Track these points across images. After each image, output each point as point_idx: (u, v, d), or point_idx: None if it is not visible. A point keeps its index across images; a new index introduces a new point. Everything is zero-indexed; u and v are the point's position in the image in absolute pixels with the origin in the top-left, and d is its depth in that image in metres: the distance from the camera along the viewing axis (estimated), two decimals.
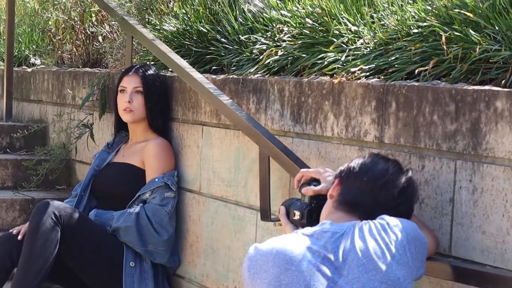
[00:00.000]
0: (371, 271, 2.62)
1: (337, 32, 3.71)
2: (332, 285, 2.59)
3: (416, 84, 3.17)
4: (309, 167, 3.45)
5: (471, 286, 2.89)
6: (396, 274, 2.64)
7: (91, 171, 4.76)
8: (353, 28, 3.67)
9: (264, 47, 4.05)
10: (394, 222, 2.74)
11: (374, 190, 2.83)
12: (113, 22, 5.60)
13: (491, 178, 2.86)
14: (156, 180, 4.50)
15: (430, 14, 3.29)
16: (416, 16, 3.37)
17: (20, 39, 6.83)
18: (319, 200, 3.03)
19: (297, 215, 3.08)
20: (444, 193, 3.05)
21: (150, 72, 4.65)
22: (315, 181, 3.13)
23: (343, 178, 2.90)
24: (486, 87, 2.91)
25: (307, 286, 2.57)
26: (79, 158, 5.62)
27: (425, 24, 3.29)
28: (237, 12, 4.42)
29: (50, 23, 6.46)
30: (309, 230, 2.75)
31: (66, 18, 6.24)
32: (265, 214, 3.76)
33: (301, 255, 2.61)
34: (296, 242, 2.67)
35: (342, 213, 2.83)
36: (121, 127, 4.84)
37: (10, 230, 4.49)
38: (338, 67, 3.56)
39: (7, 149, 5.93)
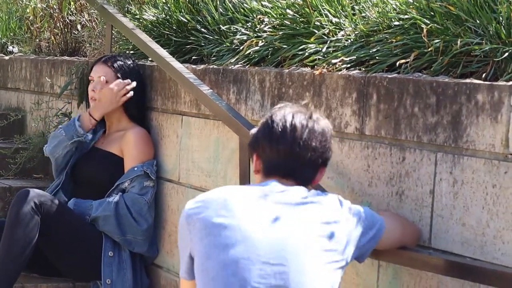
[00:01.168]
0: None
1: (318, 24, 3.71)
2: None
3: (397, 76, 3.16)
4: None
5: (451, 278, 2.90)
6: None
7: (74, 157, 4.72)
8: (334, 19, 3.66)
9: (245, 37, 4.05)
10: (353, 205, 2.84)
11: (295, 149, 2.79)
12: (92, 11, 5.59)
13: (472, 170, 2.87)
14: (135, 169, 4.50)
15: (411, 6, 3.30)
16: (397, 9, 3.38)
17: None
18: None
19: None
20: (425, 185, 3.05)
21: (121, 62, 4.64)
22: None
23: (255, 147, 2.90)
24: (467, 80, 2.91)
25: None
26: None
27: (406, 16, 3.29)
28: (218, 2, 4.42)
29: (28, 10, 6.42)
30: None
31: (44, 6, 6.23)
32: None
33: None
34: None
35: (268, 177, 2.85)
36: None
37: None
38: (319, 59, 3.56)
39: None
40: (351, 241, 2.72)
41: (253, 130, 2.91)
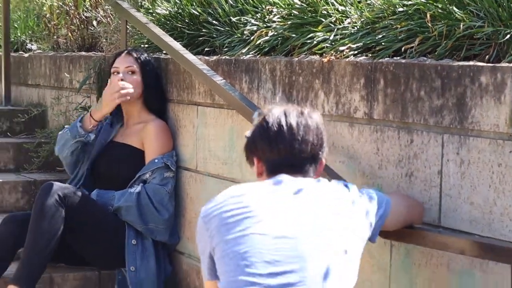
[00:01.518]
0: None
1: (325, 12, 3.73)
2: None
3: (403, 61, 3.20)
4: None
5: (461, 255, 2.94)
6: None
7: (98, 147, 4.75)
8: (340, 8, 3.69)
9: (255, 28, 4.07)
10: (361, 189, 2.90)
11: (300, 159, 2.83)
12: (107, 7, 5.60)
13: (478, 150, 2.90)
14: (156, 161, 4.53)
15: None
16: None
17: (15, 25, 6.81)
18: None
19: None
20: (433, 166, 3.09)
21: (143, 55, 4.67)
22: None
23: (254, 148, 2.90)
24: (471, 63, 2.94)
25: None
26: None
27: (410, 2, 3.31)
28: None
29: (44, 8, 6.45)
30: None
31: (61, 4, 6.24)
32: None
33: None
34: None
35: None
36: (115, 109, 4.79)
37: None
38: (327, 46, 3.58)
39: (8, 133, 5.93)
40: (365, 219, 2.78)
41: (248, 134, 2.89)
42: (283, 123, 2.79)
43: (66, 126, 4.86)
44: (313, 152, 2.81)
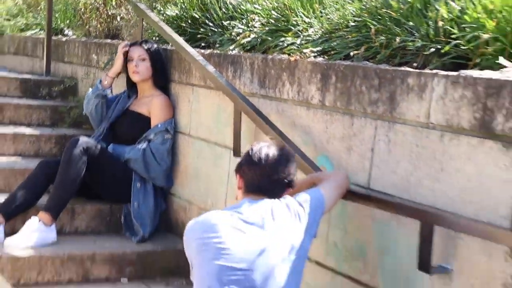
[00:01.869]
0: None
1: (294, 22, 3.75)
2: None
3: (351, 63, 3.21)
4: (270, 121, 3.51)
5: (380, 210, 2.95)
6: (296, 236, 2.71)
7: (114, 113, 4.74)
8: (307, 19, 3.69)
9: (240, 30, 4.08)
10: (303, 198, 2.82)
11: (270, 184, 2.81)
12: (128, 6, 5.56)
13: (402, 134, 2.92)
14: (159, 126, 4.52)
15: (364, 11, 3.33)
16: (353, 13, 3.41)
17: (56, 15, 6.73)
18: None
19: None
20: (367, 144, 3.10)
21: (153, 46, 4.64)
22: None
23: (242, 177, 2.87)
24: (402, 68, 2.97)
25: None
26: None
27: (359, 19, 3.33)
28: (221, 4, 4.42)
29: (80, 4, 6.40)
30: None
31: (93, 1, 6.20)
32: (237, 152, 3.82)
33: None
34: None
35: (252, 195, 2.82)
36: (130, 86, 4.78)
37: None
38: (294, 48, 3.60)
39: (46, 97, 5.88)
40: (309, 239, 2.76)
41: (239, 159, 2.90)
42: (263, 154, 2.78)
43: (89, 92, 4.83)
44: (280, 179, 2.79)
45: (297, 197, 2.83)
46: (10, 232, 4.12)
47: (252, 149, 2.82)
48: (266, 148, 2.81)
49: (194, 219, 2.76)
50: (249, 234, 2.64)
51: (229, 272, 2.56)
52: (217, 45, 4.21)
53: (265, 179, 2.79)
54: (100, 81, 4.75)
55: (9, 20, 7.80)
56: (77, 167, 4.21)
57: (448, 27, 2.89)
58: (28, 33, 7.12)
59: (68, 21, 6.66)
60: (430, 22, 2.99)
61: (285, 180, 2.81)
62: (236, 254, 2.58)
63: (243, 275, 2.56)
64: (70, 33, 6.47)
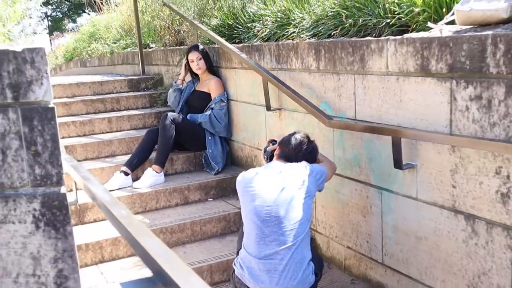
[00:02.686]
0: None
1: (293, 18, 3.66)
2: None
3: (333, 40, 3.13)
4: (286, 85, 3.46)
5: (366, 133, 2.92)
6: (306, 183, 2.67)
7: (186, 93, 4.70)
8: (300, 15, 3.60)
9: (259, 28, 3.99)
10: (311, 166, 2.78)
11: (296, 151, 2.82)
12: (187, 23, 5.51)
13: (372, 81, 2.87)
14: (216, 98, 4.50)
15: (337, 5, 3.23)
16: (330, 6, 3.30)
17: (144, 35, 6.73)
18: (273, 151, 3.02)
19: (264, 156, 3.10)
20: (350, 91, 3.05)
21: (202, 47, 4.59)
22: (273, 141, 3.10)
23: (280, 145, 2.89)
24: (366, 38, 2.89)
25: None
26: None
27: (334, 10, 3.23)
28: (245, 13, 4.33)
29: (157, 26, 6.38)
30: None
31: (164, 23, 6.17)
32: (268, 107, 3.81)
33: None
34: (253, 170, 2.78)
35: (282, 160, 2.83)
36: (194, 76, 4.73)
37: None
38: (294, 35, 3.53)
39: (144, 89, 5.92)
40: (313, 183, 2.70)
41: (284, 138, 2.92)
42: (295, 139, 2.85)
43: (170, 89, 4.85)
44: (301, 156, 2.81)
45: (308, 164, 2.82)
46: (135, 178, 4.21)
47: (293, 134, 2.90)
48: (298, 136, 2.87)
49: (242, 173, 2.79)
50: (273, 180, 2.66)
51: (262, 209, 2.59)
52: (246, 40, 4.14)
53: (292, 153, 2.81)
54: (175, 82, 4.79)
55: (115, 43, 7.82)
56: (169, 132, 4.25)
57: (392, 7, 2.81)
58: (128, 49, 7.13)
59: (151, 38, 6.63)
60: (380, 5, 2.90)
61: (303, 158, 2.81)
62: (265, 197, 2.61)
63: (271, 209, 2.58)
64: (154, 45, 6.45)
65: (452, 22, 2.51)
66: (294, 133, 2.92)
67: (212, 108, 4.48)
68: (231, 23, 4.44)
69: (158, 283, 1.05)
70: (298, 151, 2.82)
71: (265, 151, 3.10)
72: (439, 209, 2.56)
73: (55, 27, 28.42)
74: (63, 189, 1.72)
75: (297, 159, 2.79)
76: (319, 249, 3.57)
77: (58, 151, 1.74)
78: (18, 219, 1.74)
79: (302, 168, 2.73)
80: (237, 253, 2.81)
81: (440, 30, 2.46)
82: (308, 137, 2.91)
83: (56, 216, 1.74)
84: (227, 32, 4.46)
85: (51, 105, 1.75)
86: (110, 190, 4.03)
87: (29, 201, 1.74)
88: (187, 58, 4.65)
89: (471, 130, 2.31)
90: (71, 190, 3.66)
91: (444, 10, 2.59)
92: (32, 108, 1.73)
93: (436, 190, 2.56)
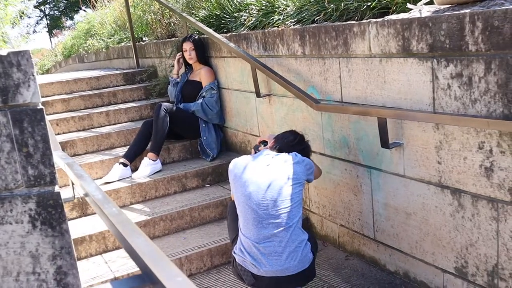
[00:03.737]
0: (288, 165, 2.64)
1: (277, 5, 3.58)
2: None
3: (316, 25, 3.06)
4: (274, 71, 3.40)
5: (353, 115, 2.87)
6: (297, 170, 2.62)
7: (181, 83, 4.63)
8: (285, 2, 3.52)
9: (246, 17, 3.91)
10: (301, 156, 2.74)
11: (288, 146, 2.79)
12: (176, 16, 5.42)
13: (356, 64, 2.81)
14: (207, 86, 4.43)
15: None
16: None
17: (137, 29, 6.63)
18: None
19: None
20: (335, 74, 3.00)
21: (195, 38, 4.51)
22: (264, 142, 3.04)
23: (276, 138, 2.87)
24: (349, 22, 2.82)
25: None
26: None
27: None
28: (232, 2, 4.25)
29: (149, 19, 6.28)
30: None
31: (155, 17, 6.07)
32: (258, 93, 3.75)
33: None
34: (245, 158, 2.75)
35: (274, 150, 2.80)
36: (187, 65, 4.66)
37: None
38: (279, 22, 3.45)
39: (139, 82, 5.85)
40: (303, 171, 2.65)
41: (280, 134, 2.94)
42: (292, 133, 2.89)
43: (169, 86, 4.79)
44: (291, 146, 2.79)
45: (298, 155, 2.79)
46: (133, 169, 4.17)
47: (289, 131, 2.93)
48: (290, 133, 2.88)
49: (233, 160, 2.74)
50: (265, 166, 2.63)
51: (256, 194, 2.55)
52: (233, 30, 4.07)
53: (285, 146, 2.80)
54: (171, 77, 4.73)
55: (109, 38, 7.71)
56: (163, 120, 4.20)
57: None
58: (122, 44, 7.03)
59: (143, 32, 6.54)
60: None
61: (293, 147, 2.80)
62: (258, 182, 2.57)
63: (265, 194, 2.54)
64: (146, 38, 6.35)
65: (431, 2, 2.45)
66: (291, 130, 2.93)
67: (203, 97, 4.42)
68: (218, 13, 4.36)
69: (147, 281, 1.01)
70: (292, 145, 2.80)
71: (255, 151, 3.05)
72: (426, 185, 2.52)
73: (54, 25, 28.13)
74: (57, 188, 1.68)
75: (289, 152, 2.76)
76: (313, 228, 3.54)
77: (49, 151, 1.69)
78: (15, 220, 1.69)
79: (293, 156, 2.70)
80: (232, 242, 2.78)
81: (419, 10, 2.40)
82: (303, 136, 2.90)
83: (51, 214, 1.69)
84: (215, 23, 4.37)
85: (39, 107, 1.69)
86: (111, 182, 3.99)
87: (25, 201, 1.69)
88: (181, 49, 4.59)
89: (454, 107, 2.26)
90: (68, 186, 3.61)
91: None
92: (21, 111, 1.68)
93: (422, 167, 2.52)
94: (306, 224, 3.55)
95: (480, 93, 2.12)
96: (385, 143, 2.64)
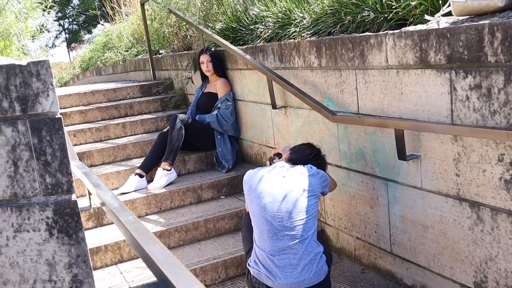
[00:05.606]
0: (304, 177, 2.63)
1: (293, 18, 3.58)
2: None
3: (333, 37, 3.05)
4: (290, 83, 3.39)
5: (370, 126, 2.84)
6: (312, 182, 2.60)
7: (195, 98, 4.67)
8: (300, 14, 3.52)
9: (262, 29, 3.91)
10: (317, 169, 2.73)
11: (304, 159, 2.79)
12: (193, 28, 5.46)
13: (373, 76, 2.79)
14: (223, 97, 4.44)
15: (335, 2, 3.15)
16: (328, 5, 3.22)
17: (153, 42, 6.69)
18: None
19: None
20: (352, 86, 2.98)
21: (213, 50, 4.54)
22: (279, 154, 3.04)
23: (292, 151, 2.88)
24: (366, 34, 2.81)
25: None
26: (189, 92, 5.56)
27: (334, 7, 3.15)
28: (248, 15, 4.26)
29: (165, 32, 6.33)
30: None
31: (172, 30, 6.12)
32: (274, 105, 3.75)
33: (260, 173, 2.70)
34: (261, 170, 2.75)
35: (289, 162, 2.80)
36: (203, 77, 4.70)
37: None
38: (296, 34, 3.45)
39: (156, 94, 5.89)
40: (318, 184, 2.64)
41: (296, 146, 2.95)
42: (303, 147, 2.89)
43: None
44: (310, 163, 2.76)
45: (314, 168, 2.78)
46: (149, 180, 4.18)
47: (305, 143, 2.94)
48: (306, 147, 2.89)
49: (248, 171, 2.75)
50: (280, 178, 2.62)
51: (272, 205, 2.54)
52: (250, 42, 4.08)
53: (300, 157, 2.80)
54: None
55: (127, 51, 7.80)
56: (178, 131, 4.20)
57: (389, 2, 2.73)
58: (139, 56, 7.10)
59: (160, 44, 6.60)
60: (378, 0, 2.82)
61: (309, 160, 2.79)
62: (273, 194, 2.56)
63: (280, 205, 2.53)
64: (163, 51, 6.41)
65: (448, 14, 2.43)
66: (307, 143, 2.93)
67: (218, 108, 4.42)
68: (234, 26, 4.38)
69: None
70: (308, 159, 2.79)
71: (270, 163, 3.03)
72: (444, 197, 2.49)
73: (73, 39, 28.54)
74: (73, 197, 1.69)
75: (304, 164, 2.74)
76: (329, 240, 3.51)
77: (67, 159, 1.70)
78: (32, 228, 1.70)
79: (308, 168, 2.68)
80: (246, 254, 2.76)
81: (437, 22, 2.38)
82: (319, 150, 2.90)
83: (68, 223, 1.70)
84: (231, 35, 4.39)
85: (58, 116, 1.71)
86: (126, 193, 4.00)
87: (42, 209, 1.70)
88: (198, 62, 4.62)
89: (472, 119, 2.23)
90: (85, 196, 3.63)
91: (440, 2, 2.51)
92: (40, 120, 1.69)
93: (440, 179, 2.49)
94: (322, 237, 3.51)
95: (500, 104, 2.09)
96: (402, 155, 2.61)
